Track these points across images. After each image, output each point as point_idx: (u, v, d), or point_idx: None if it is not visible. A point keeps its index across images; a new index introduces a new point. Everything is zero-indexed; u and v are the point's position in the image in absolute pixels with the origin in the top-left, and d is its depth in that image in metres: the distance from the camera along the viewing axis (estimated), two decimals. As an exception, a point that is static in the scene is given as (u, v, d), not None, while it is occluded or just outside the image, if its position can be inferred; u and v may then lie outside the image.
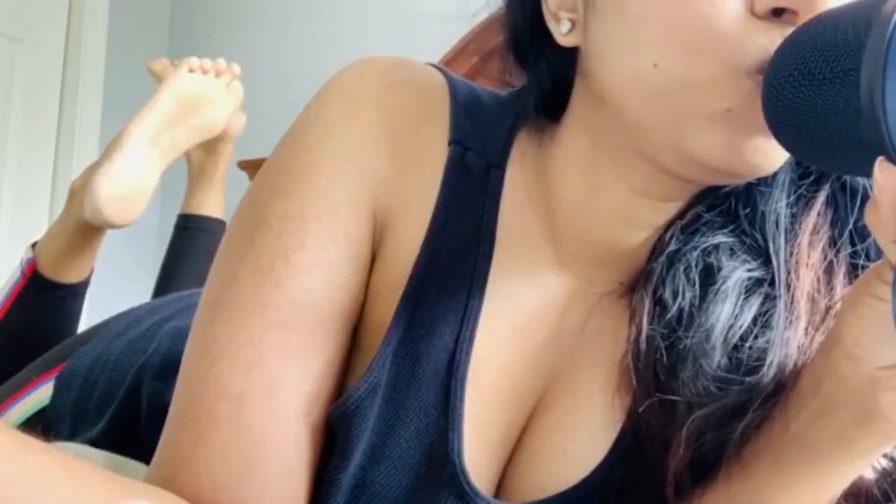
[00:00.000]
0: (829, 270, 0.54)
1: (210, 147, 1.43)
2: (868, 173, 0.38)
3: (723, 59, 0.46)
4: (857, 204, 0.55)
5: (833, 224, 0.55)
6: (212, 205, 1.44)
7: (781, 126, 0.43)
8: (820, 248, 0.54)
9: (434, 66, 0.60)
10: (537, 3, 0.55)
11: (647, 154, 0.52)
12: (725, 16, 0.46)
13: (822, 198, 0.55)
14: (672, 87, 0.48)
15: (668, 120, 0.49)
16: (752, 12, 0.46)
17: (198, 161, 1.46)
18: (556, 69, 0.56)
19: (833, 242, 0.55)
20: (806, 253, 0.53)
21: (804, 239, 0.54)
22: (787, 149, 0.45)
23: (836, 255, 0.54)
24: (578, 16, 0.52)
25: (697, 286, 0.53)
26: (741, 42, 0.45)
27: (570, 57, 0.55)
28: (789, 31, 0.44)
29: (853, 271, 0.54)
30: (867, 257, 0.54)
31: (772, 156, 0.48)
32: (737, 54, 0.46)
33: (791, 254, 0.53)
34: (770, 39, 0.45)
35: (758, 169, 0.49)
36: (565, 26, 0.53)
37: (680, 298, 0.52)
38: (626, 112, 0.51)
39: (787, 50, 0.42)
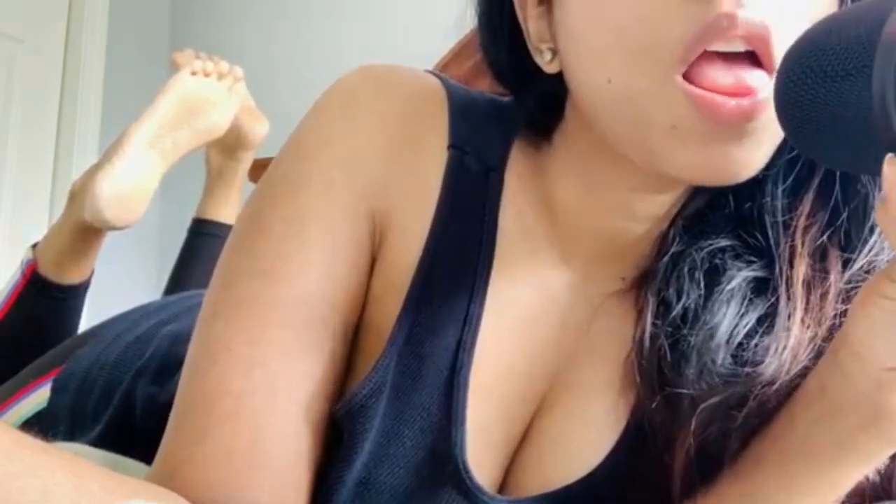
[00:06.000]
0: (823, 256, 0.53)
1: (231, 153, 1.42)
2: (878, 171, 0.38)
3: (653, 59, 0.45)
4: (851, 191, 0.54)
5: (825, 210, 0.54)
6: (227, 212, 1.43)
7: (794, 124, 0.43)
8: (812, 233, 0.53)
9: (431, 72, 0.61)
10: (517, 40, 0.55)
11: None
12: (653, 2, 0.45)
13: (815, 183, 0.54)
14: (624, 102, 0.48)
15: (635, 136, 0.49)
16: None
17: (217, 166, 1.45)
18: (546, 92, 0.57)
19: (825, 229, 0.54)
20: (800, 240, 0.53)
21: (800, 222, 0.53)
22: (801, 148, 0.45)
23: (829, 241, 0.53)
24: (555, 44, 0.53)
25: (703, 286, 0.53)
26: (664, 30, 0.44)
27: (557, 78, 0.55)
28: (718, 5, 0.43)
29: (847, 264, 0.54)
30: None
31: (750, 161, 0.47)
32: (661, 48, 0.45)
33: (787, 243, 0.53)
34: (689, 18, 0.44)
35: (736, 176, 0.48)
36: (547, 55, 0.54)
37: (684, 298, 0.53)
38: (602, 129, 0.51)
39: (799, 48, 0.42)
